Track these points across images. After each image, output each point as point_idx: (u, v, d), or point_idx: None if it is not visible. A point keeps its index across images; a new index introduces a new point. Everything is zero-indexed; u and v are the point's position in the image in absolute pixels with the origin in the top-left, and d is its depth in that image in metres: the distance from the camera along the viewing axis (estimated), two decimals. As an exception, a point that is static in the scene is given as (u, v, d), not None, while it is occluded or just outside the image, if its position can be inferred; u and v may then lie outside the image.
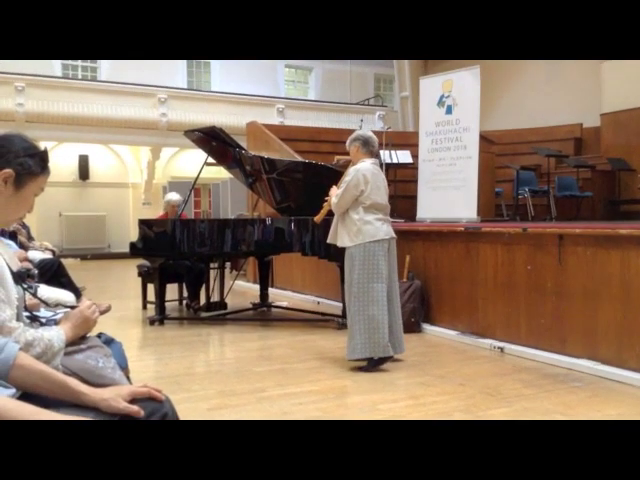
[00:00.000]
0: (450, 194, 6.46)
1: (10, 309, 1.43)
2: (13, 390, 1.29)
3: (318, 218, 4.50)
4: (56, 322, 1.64)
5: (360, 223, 4.10)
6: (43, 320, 1.65)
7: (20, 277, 1.57)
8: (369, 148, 4.27)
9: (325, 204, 4.40)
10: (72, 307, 1.68)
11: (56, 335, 1.48)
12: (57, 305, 1.75)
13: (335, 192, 4.28)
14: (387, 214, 4.29)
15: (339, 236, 4.24)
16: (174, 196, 6.87)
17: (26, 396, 1.31)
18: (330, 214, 4.46)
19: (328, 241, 4.44)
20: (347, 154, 8.46)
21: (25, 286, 1.58)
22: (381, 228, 4.16)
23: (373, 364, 4.09)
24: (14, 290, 1.50)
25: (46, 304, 1.80)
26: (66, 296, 3.34)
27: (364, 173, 4.13)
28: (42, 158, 1.57)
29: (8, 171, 1.50)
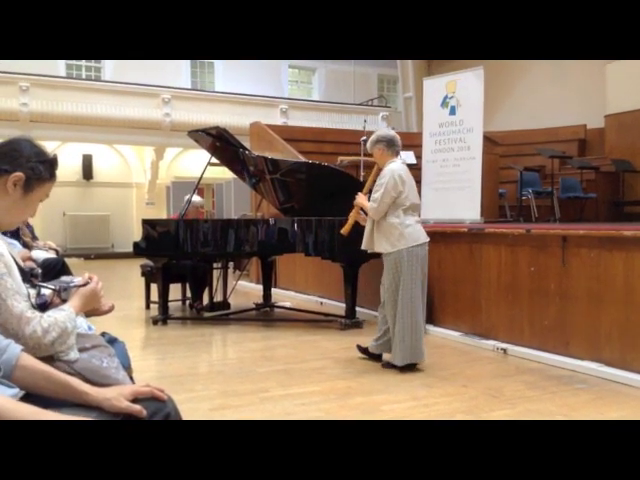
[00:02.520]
0: (453, 195, 6.45)
1: (24, 300, 1.46)
2: (16, 389, 1.29)
3: (345, 230, 4.29)
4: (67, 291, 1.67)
5: (402, 227, 3.97)
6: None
7: (24, 276, 1.58)
8: (395, 148, 4.12)
9: (351, 214, 4.23)
10: (83, 285, 1.69)
11: (67, 316, 1.51)
12: (66, 289, 1.76)
13: (363, 199, 4.13)
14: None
15: (377, 242, 4.09)
16: (197, 198, 6.79)
17: (30, 396, 1.31)
18: (356, 224, 4.29)
19: (363, 247, 4.24)
20: (351, 155, 8.46)
21: (28, 285, 1.59)
22: (421, 231, 4.08)
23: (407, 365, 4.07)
24: (22, 285, 1.52)
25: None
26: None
27: (400, 173, 4.00)
28: (52, 165, 1.60)
29: (19, 174, 1.51)
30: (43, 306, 1.66)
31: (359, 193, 4.23)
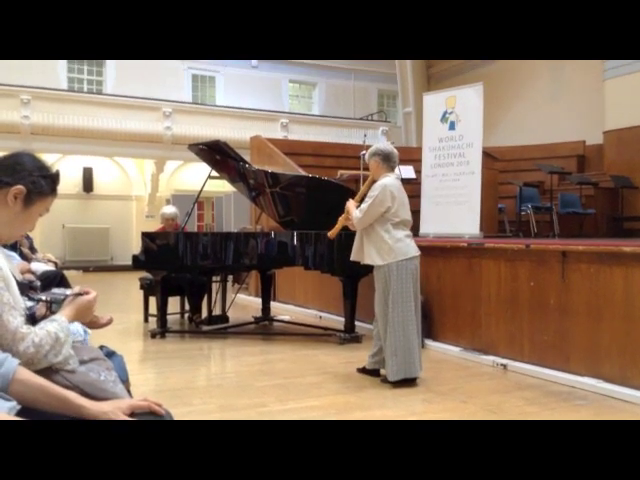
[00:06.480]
0: (453, 209, 6.46)
1: (20, 315, 1.46)
2: (14, 402, 1.29)
3: (332, 233, 4.36)
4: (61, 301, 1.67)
5: (392, 241, 3.98)
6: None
7: (22, 290, 1.58)
8: (390, 164, 4.15)
9: (340, 218, 4.26)
10: (78, 294, 1.68)
11: (59, 327, 1.50)
12: (57, 301, 1.75)
13: (352, 206, 4.15)
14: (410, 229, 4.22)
15: (366, 254, 4.10)
16: (168, 209, 6.92)
17: (27, 410, 1.30)
18: (345, 229, 4.34)
19: (352, 258, 4.28)
20: (350, 169, 8.49)
21: (25, 298, 1.59)
22: (411, 245, 4.08)
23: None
24: (20, 299, 1.52)
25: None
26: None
27: (391, 189, 4.02)
28: (53, 180, 1.61)
29: (20, 187, 1.52)
30: (32, 318, 1.65)
31: (350, 200, 4.25)
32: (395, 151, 4.23)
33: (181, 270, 6.07)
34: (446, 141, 6.64)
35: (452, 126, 6.60)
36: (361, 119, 17.77)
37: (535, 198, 8.26)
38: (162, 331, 5.86)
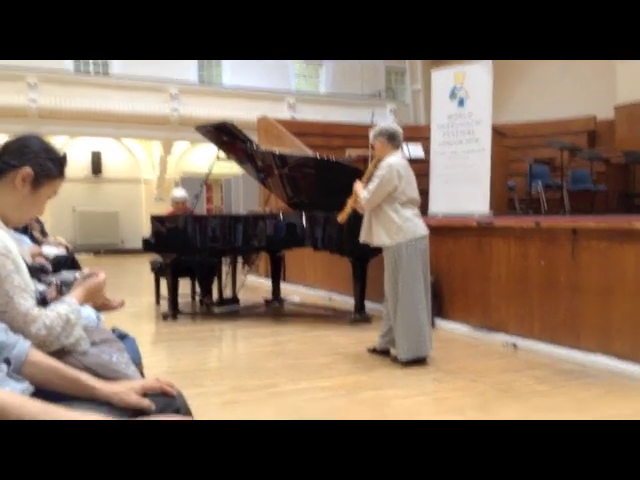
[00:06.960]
0: (462, 188, 6.41)
1: (31, 298, 1.47)
2: (26, 384, 1.30)
3: (342, 217, 4.29)
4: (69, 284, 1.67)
5: (400, 221, 3.97)
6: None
7: (33, 272, 1.59)
8: (395, 142, 4.13)
9: (349, 201, 4.23)
10: (88, 276, 1.70)
11: (69, 309, 1.51)
12: (67, 283, 1.76)
13: (359, 188, 4.12)
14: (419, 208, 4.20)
15: (375, 234, 4.10)
16: (178, 192, 6.96)
17: (40, 391, 1.31)
18: (354, 211, 4.30)
19: (361, 240, 4.26)
20: (359, 148, 8.43)
21: (35, 281, 1.60)
22: (419, 224, 4.07)
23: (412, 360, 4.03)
24: (30, 282, 1.53)
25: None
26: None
27: (397, 168, 4.00)
28: (61, 162, 1.61)
29: (28, 170, 1.52)
30: (42, 301, 1.67)
31: (357, 181, 4.21)
32: (399, 129, 4.20)
33: (191, 253, 6.09)
34: (455, 118, 6.57)
35: (461, 102, 6.52)
36: (370, 96, 17.59)
37: (546, 175, 8.18)
38: (173, 313, 5.90)
